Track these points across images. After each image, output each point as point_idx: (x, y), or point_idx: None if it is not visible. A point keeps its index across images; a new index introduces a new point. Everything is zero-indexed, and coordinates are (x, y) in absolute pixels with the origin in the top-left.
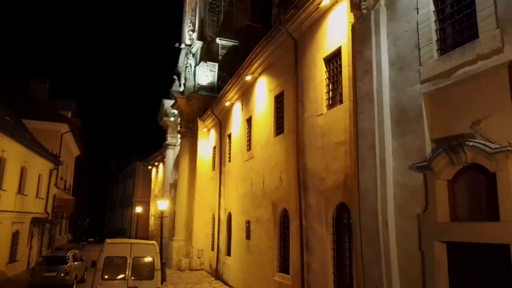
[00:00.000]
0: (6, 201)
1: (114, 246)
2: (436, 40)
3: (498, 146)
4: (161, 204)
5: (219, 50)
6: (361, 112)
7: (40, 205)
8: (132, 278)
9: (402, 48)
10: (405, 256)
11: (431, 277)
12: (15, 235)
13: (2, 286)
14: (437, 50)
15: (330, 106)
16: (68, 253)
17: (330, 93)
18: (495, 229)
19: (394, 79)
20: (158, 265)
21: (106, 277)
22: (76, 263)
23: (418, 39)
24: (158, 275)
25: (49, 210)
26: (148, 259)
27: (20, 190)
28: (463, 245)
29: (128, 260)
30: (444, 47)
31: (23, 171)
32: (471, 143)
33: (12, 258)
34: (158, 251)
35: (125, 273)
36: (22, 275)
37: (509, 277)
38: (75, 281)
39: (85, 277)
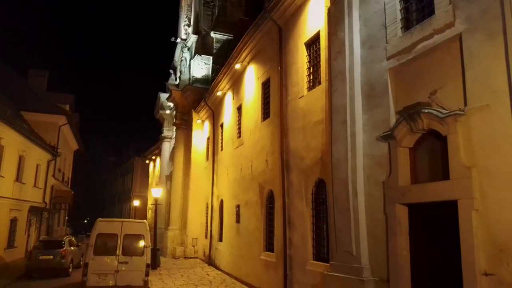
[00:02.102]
0: (4, 188)
1: (106, 224)
2: (401, 19)
3: (448, 111)
4: (155, 192)
5: (214, 44)
6: (335, 90)
7: (38, 195)
8: (123, 254)
9: (372, 28)
10: (372, 220)
11: (393, 236)
12: (13, 222)
13: (0, 270)
14: (401, 28)
15: (310, 88)
16: (64, 238)
17: (311, 75)
18: (446, 187)
19: (364, 57)
20: (148, 242)
21: (97, 252)
22: (72, 248)
23: (385, 18)
24: (148, 251)
25: (47, 200)
26: (138, 236)
27: (18, 178)
28: (422, 207)
29: (119, 237)
30: (407, 24)
31: (21, 159)
32: (426, 110)
33: (10, 244)
34: (148, 229)
35: (116, 249)
36: (20, 261)
37: (456, 231)
38: (71, 265)
39: (81, 263)
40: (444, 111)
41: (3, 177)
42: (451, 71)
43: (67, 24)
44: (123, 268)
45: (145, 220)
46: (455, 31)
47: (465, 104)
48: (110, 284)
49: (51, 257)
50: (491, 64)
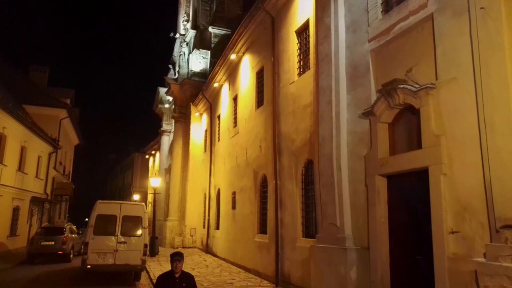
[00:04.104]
0: (7, 177)
1: (105, 205)
2: (381, 3)
3: (420, 85)
4: (154, 181)
5: (212, 39)
6: (321, 72)
7: (39, 186)
8: (122, 234)
9: (355, 13)
10: (355, 193)
11: (373, 206)
12: (15, 211)
13: (2, 256)
14: (381, 11)
15: (300, 74)
16: (65, 225)
17: (301, 62)
18: (418, 155)
19: (348, 41)
20: (145, 223)
21: (97, 233)
22: (73, 235)
23: (367, 3)
24: (146, 232)
25: (48, 191)
26: (137, 218)
27: (20, 168)
28: (399, 177)
29: (118, 218)
30: (387, 8)
31: (23, 150)
32: (401, 86)
33: (13, 232)
34: (146, 211)
35: (115, 230)
36: (22, 249)
37: (429, 196)
38: (71, 251)
39: (82, 250)
40: (417, 86)
41: (6, 166)
42: (425, 49)
43: (67, 21)
44: (121, 248)
45: (143, 203)
46: (428, 11)
47: (436, 78)
48: (109, 263)
49: (53, 243)
50: (458, 40)
